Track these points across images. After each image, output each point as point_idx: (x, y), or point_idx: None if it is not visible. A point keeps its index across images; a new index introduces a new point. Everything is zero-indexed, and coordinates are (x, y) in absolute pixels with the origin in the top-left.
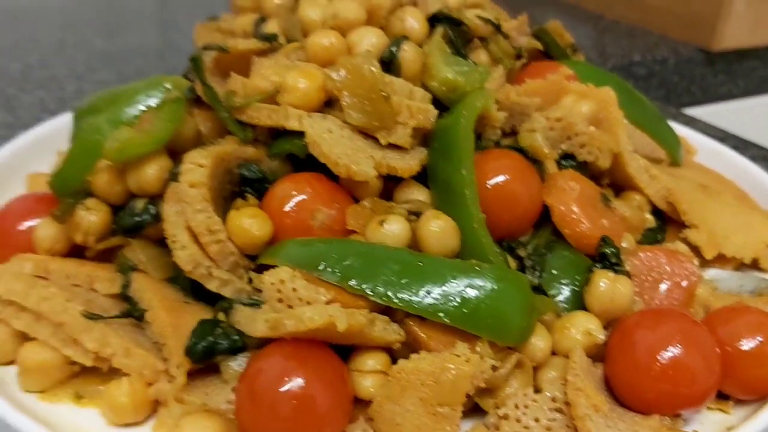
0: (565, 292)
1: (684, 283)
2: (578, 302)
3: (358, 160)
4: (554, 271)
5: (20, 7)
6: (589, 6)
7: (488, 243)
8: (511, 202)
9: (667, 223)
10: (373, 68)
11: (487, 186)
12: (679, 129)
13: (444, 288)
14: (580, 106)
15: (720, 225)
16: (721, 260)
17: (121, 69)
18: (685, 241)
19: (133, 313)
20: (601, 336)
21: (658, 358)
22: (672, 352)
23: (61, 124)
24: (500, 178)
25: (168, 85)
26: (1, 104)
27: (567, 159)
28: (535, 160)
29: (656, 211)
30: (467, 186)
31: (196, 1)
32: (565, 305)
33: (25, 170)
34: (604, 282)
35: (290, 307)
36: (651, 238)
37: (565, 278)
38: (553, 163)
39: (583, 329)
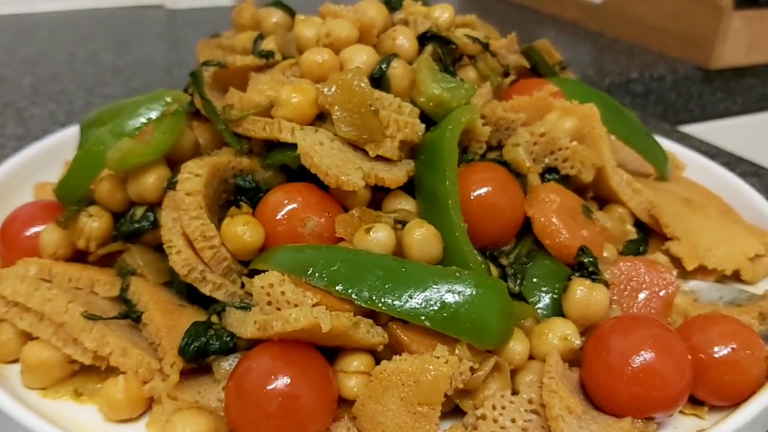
0: (544, 300)
1: (662, 293)
2: (557, 309)
3: (348, 171)
4: (535, 280)
5: (33, 24)
6: (589, 24)
7: (469, 251)
8: (494, 212)
9: (649, 235)
10: (362, 84)
11: (471, 197)
12: (669, 145)
13: (425, 293)
14: (564, 122)
15: (702, 237)
16: (702, 272)
17: (129, 83)
18: (667, 252)
19: (130, 314)
20: (577, 341)
21: (631, 362)
22: (644, 356)
23: (69, 135)
24: (484, 190)
25: (168, 99)
26: (13, 117)
27: (551, 173)
28: (518, 174)
29: (639, 224)
30: (450, 196)
31: (202, 18)
32: (545, 312)
33: (33, 179)
34: (581, 290)
35: (279, 309)
36: (633, 249)
37: (545, 286)
38: (536, 176)
39: (560, 334)
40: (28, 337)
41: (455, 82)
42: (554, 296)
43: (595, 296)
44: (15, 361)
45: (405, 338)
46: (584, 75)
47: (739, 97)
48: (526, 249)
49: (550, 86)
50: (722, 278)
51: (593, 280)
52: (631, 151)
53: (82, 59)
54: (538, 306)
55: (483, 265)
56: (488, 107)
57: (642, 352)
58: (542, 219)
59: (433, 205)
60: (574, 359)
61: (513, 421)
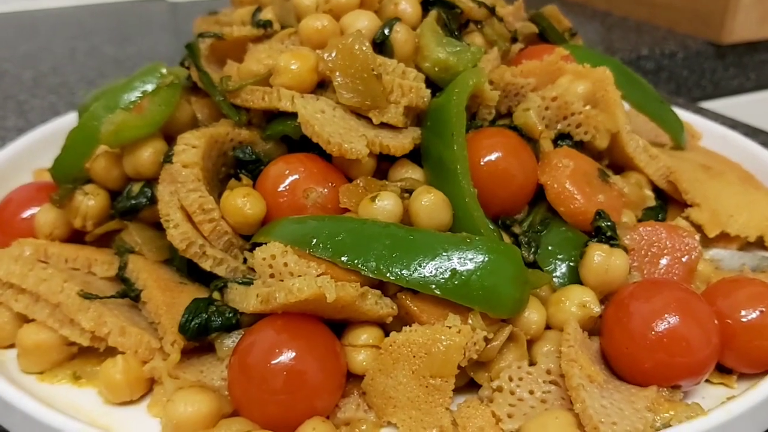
0: (561, 268)
1: (684, 258)
2: (574, 277)
3: (351, 138)
4: (550, 248)
5: (34, 20)
6: (597, 4)
7: (479, 216)
8: (505, 179)
9: (668, 203)
10: (364, 47)
11: (481, 163)
12: (685, 115)
13: (435, 261)
14: (576, 86)
15: (723, 204)
16: (725, 239)
17: (131, 74)
18: (687, 219)
19: (129, 293)
20: (596, 308)
21: (654, 327)
22: (668, 321)
23: (68, 121)
24: (494, 156)
25: (164, 71)
26: (14, 109)
27: (563, 139)
28: (530, 139)
29: (657, 192)
30: (459, 161)
31: (206, 8)
32: (561, 281)
33: (33, 166)
34: (598, 255)
35: (282, 282)
36: (652, 216)
37: (561, 254)
38: (548, 142)
39: (578, 302)
40: (24, 320)
41: (461, 46)
42: (571, 264)
43: (613, 261)
44: (11, 346)
45: (415, 308)
46: (606, 48)
47: (752, 72)
48: (539, 217)
49: (560, 50)
50: (745, 245)
51: (611, 245)
52: (645, 119)
53: (83, 52)
54: (554, 275)
55: (495, 233)
56: (496, 72)
57: (666, 317)
58: (555, 185)
59: (441, 172)
60: (593, 328)
61: (531, 392)
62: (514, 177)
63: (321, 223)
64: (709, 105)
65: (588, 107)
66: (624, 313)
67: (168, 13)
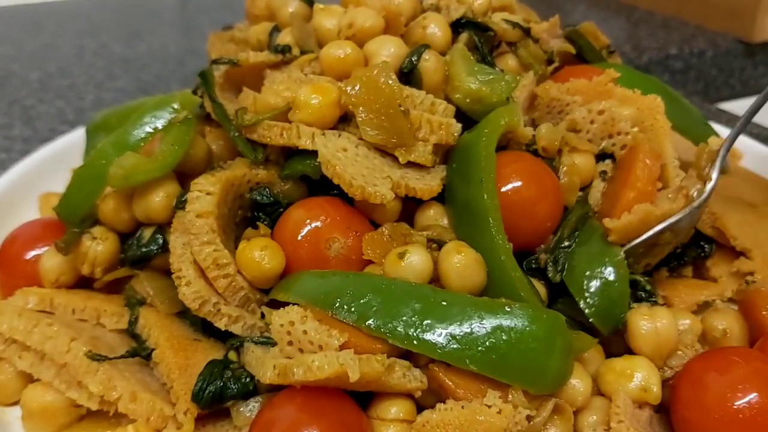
0: (592, 286)
1: None
2: (605, 297)
3: (375, 180)
4: (578, 265)
5: (40, 15)
6: None
7: (518, 278)
8: (528, 209)
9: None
10: (390, 80)
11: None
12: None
13: (470, 330)
14: (623, 109)
15: None
16: None
17: (140, 76)
18: (738, 273)
19: (140, 351)
20: (657, 391)
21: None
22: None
23: (75, 139)
24: (513, 185)
25: (176, 105)
26: (20, 116)
27: (605, 158)
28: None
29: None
30: (490, 212)
31: (216, 5)
32: (592, 301)
33: (38, 189)
34: (644, 321)
35: (301, 350)
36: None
37: (589, 270)
38: (590, 158)
39: (640, 384)
40: (29, 376)
41: (494, 74)
42: (603, 280)
43: (660, 322)
44: (16, 402)
45: (449, 383)
46: (621, 53)
47: None
48: (567, 231)
49: (611, 71)
50: None
51: (651, 302)
52: (682, 140)
53: (91, 51)
54: (585, 294)
55: (535, 294)
56: (541, 87)
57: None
58: None
59: (468, 219)
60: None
61: None
62: (537, 206)
63: (345, 281)
64: (736, 104)
65: (636, 129)
66: (699, 387)
67: (178, 7)
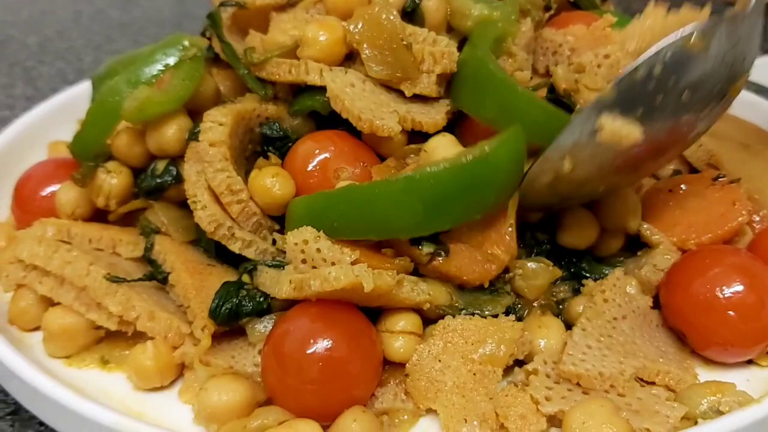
0: None
1: None
2: None
3: (382, 114)
4: None
5: None
6: None
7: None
8: None
9: None
10: (391, 17)
11: None
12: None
13: None
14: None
15: (765, 182)
16: None
17: (137, 38)
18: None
19: (156, 275)
20: None
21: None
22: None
23: (80, 92)
24: None
25: (186, 43)
26: (21, 77)
27: None
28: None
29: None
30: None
31: None
32: None
33: (46, 138)
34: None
35: (314, 268)
36: None
37: None
38: (587, 94)
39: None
40: (49, 302)
41: (497, 1)
42: None
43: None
44: (37, 328)
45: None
46: (625, 9)
47: None
48: None
49: (608, 17)
50: None
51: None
52: None
53: (88, 16)
54: None
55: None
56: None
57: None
58: None
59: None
60: None
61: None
62: None
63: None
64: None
65: None
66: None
67: None
